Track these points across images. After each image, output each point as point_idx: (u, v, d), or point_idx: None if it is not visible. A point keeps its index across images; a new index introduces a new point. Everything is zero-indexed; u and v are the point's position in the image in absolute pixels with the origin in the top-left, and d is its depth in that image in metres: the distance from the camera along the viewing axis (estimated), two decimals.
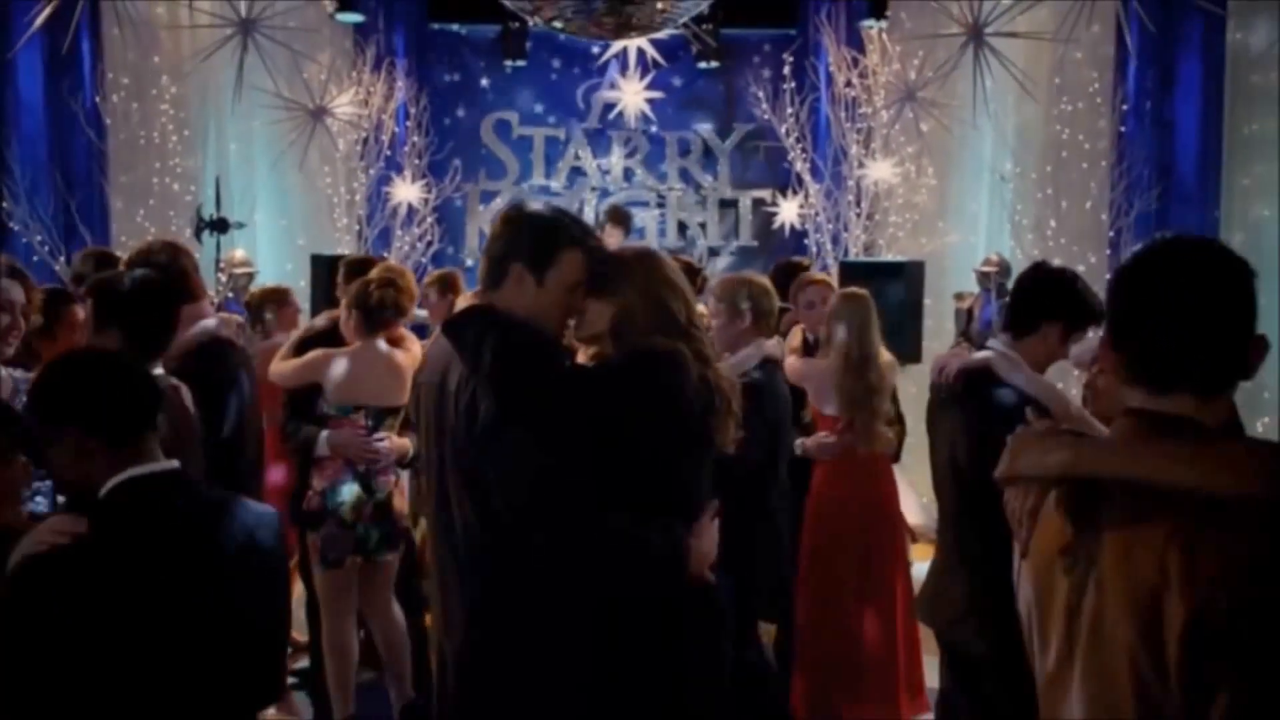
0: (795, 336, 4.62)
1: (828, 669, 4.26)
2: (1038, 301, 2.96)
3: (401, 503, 4.14)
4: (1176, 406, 1.44)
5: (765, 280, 3.73)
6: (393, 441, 4.04)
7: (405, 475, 4.27)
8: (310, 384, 4.09)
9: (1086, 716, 1.44)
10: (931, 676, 4.71)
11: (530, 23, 5.06)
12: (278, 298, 5.50)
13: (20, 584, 1.81)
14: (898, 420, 4.37)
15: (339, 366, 4.04)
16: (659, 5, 4.26)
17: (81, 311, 3.21)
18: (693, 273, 3.60)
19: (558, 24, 4.52)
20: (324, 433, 4.01)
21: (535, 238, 2.35)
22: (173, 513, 1.93)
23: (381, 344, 4.08)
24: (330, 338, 4.20)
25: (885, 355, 4.26)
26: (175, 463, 2.00)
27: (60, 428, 1.93)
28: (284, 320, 5.33)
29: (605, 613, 2.24)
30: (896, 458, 4.46)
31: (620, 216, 7.83)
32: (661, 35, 7.31)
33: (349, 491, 3.99)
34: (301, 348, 4.21)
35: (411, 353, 4.12)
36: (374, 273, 4.19)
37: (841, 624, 4.26)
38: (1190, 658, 1.29)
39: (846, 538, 4.26)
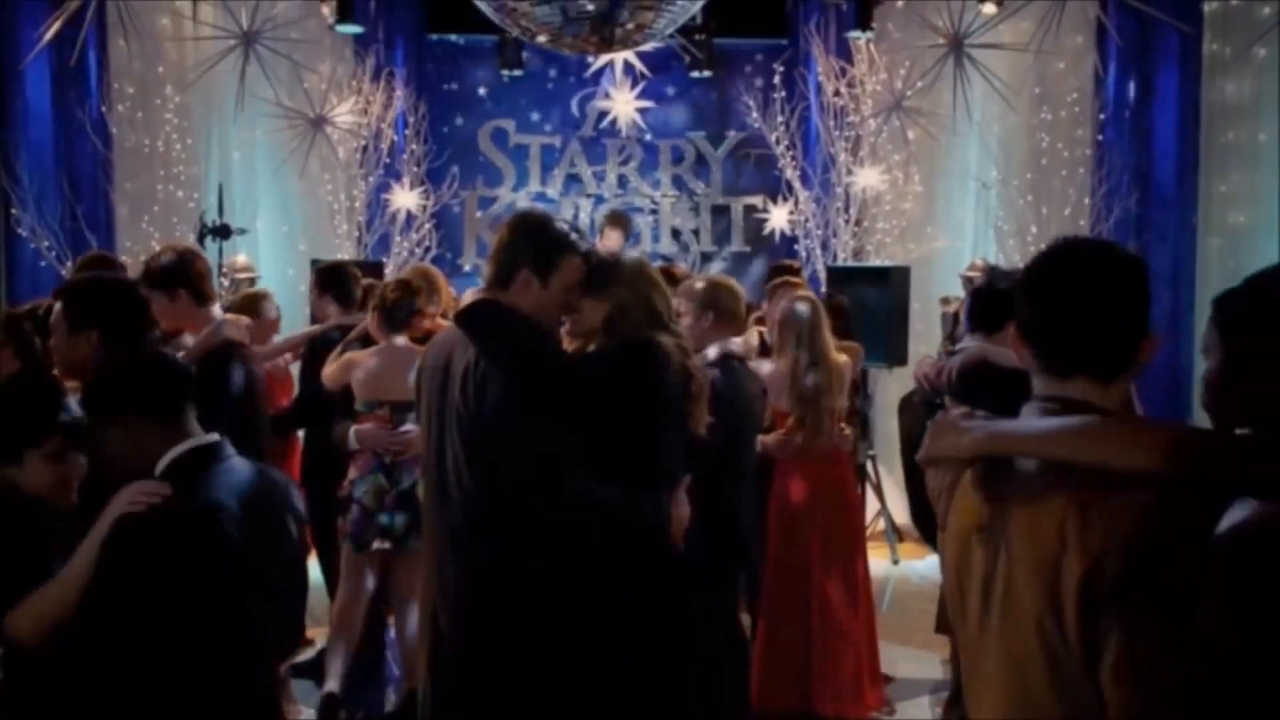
0: (753, 336, 4.81)
1: (789, 658, 4.44)
2: (998, 303, 3.20)
3: None
4: (1077, 392, 1.58)
5: (732, 281, 3.95)
6: (417, 434, 4.22)
7: None
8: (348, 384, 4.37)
9: (1001, 675, 1.58)
10: (889, 667, 4.92)
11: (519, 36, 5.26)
12: (254, 304, 5.62)
13: (122, 540, 2.07)
14: (851, 417, 4.56)
15: (363, 366, 4.33)
16: (637, 23, 4.45)
17: None
18: (673, 279, 3.87)
19: (542, 39, 4.72)
20: (353, 428, 4.30)
21: (540, 245, 2.65)
22: (222, 476, 2.21)
23: (402, 341, 4.33)
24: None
25: (839, 356, 4.46)
26: (215, 435, 2.27)
27: (118, 416, 2.20)
28: (261, 327, 5.46)
29: (595, 575, 2.48)
30: (855, 453, 4.65)
31: (619, 220, 8.02)
32: (647, 48, 7.48)
33: (372, 481, 4.25)
34: (344, 351, 4.50)
35: None
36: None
37: (803, 616, 4.44)
38: (1085, 611, 1.43)
39: (806, 532, 4.45)
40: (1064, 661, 1.48)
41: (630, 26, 4.44)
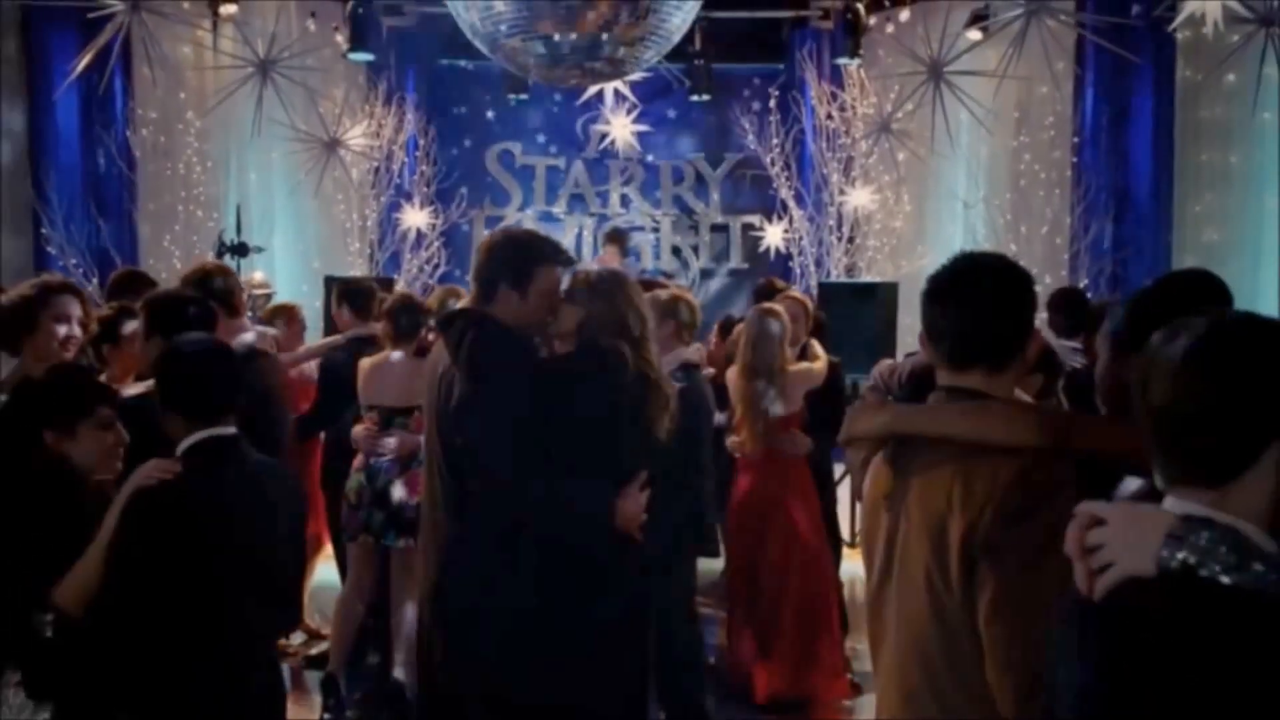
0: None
1: (750, 645, 4.74)
2: None
3: (402, 494, 4.48)
4: (971, 381, 1.82)
5: (688, 294, 4.27)
6: (399, 439, 4.50)
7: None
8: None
9: (897, 619, 1.85)
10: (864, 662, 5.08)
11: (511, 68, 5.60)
12: (285, 314, 5.97)
13: (136, 508, 2.37)
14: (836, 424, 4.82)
15: (363, 371, 4.61)
16: (619, 57, 4.78)
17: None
18: (649, 286, 4.21)
19: (534, 74, 5.07)
20: (355, 428, 4.60)
21: (513, 259, 2.90)
22: (231, 461, 2.53)
23: (399, 354, 4.56)
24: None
25: (796, 366, 4.70)
26: (233, 428, 2.57)
27: (168, 408, 2.53)
28: (291, 335, 5.79)
29: (546, 554, 2.76)
30: (823, 457, 4.92)
31: (617, 237, 8.34)
32: (639, 76, 7.80)
33: (356, 479, 4.53)
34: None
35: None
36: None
37: (758, 607, 4.72)
38: (965, 563, 1.69)
39: (754, 525, 4.72)
40: (947, 610, 1.72)
41: (613, 60, 4.76)
